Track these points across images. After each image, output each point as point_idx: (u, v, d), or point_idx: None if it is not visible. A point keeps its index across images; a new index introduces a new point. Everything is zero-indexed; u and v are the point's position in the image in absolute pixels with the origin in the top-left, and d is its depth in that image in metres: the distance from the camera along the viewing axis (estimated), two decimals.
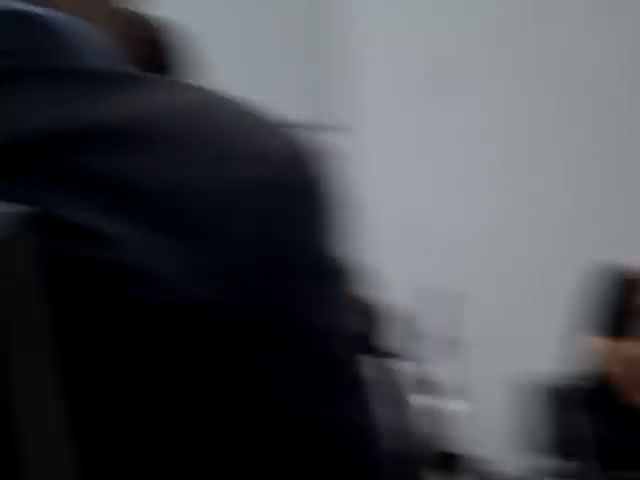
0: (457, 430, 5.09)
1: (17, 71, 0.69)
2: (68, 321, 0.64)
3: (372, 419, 0.69)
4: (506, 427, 6.13)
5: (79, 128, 0.66)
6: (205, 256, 0.65)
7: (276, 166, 0.68)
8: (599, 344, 4.41)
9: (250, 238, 0.66)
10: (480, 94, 6.27)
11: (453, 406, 5.12)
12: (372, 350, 2.74)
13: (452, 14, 6.16)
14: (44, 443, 0.64)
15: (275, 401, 0.66)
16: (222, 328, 0.65)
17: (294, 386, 0.66)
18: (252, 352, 0.65)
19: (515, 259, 6.33)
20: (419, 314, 4.69)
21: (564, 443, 4.68)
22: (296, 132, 0.72)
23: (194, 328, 0.64)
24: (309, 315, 0.67)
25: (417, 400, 2.79)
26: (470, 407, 5.56)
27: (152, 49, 1.61)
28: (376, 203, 6.42)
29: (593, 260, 5.07)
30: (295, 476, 0.66)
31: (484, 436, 5.97)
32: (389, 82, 6.34)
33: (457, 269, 6.28)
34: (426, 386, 2.90)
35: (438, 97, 6.25)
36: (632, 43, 6.00)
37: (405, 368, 2.80)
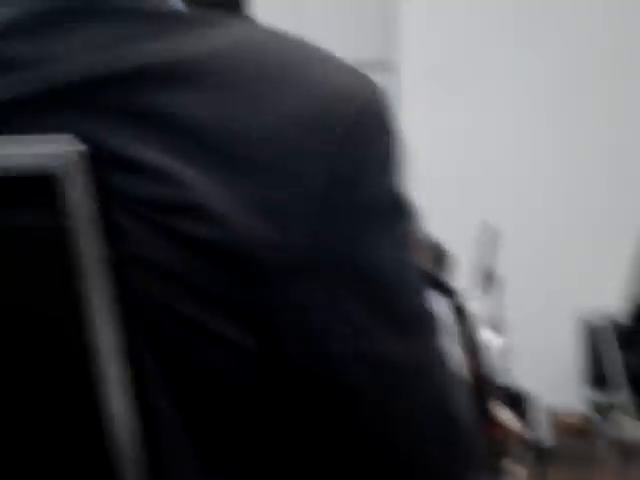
0: (498, 364, 5.11)
1: (79, 11, 0.69)
2: (127, 257, 0.65)
3: (442, 355, 0.69)
4: (550, 361, 6.15)
5: (137, 66, 0.66)
6: (262, 194, 0.64)
7: (343, 105, 0.67)
8: None
9: (309, 175, 0.65)
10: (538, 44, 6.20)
11: (492, 340, 5.13)
12: (438, 287, 2.74)
13: None
14: (110, 367, 0.65)
15: (336, 339, 0.66)
16: (279, 265, 0.65)
17: (356, 323, 0.66)
18: (311, 289, 0.65)
19: (562, 195, 6.30)
20: (459, 249, 4.69)
21: (614, 376, 4.68)
22: (357, 68, 0.70)
23: (255, 266, 0.64)
24: (375, 252, 0.66)
25: (459, 334, 2.80)
26: (508, 341, 5.58)
27: None
28: (420, 143, 6.38)
29: None
30: (359, 414, 0.67)
31: (524, 370, 5.99)
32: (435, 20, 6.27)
33: (504, 205, 6.26)
34: (466, 320, 2.90)
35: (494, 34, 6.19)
36: None
37: (459, 304, 2.80)
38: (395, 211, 0.68)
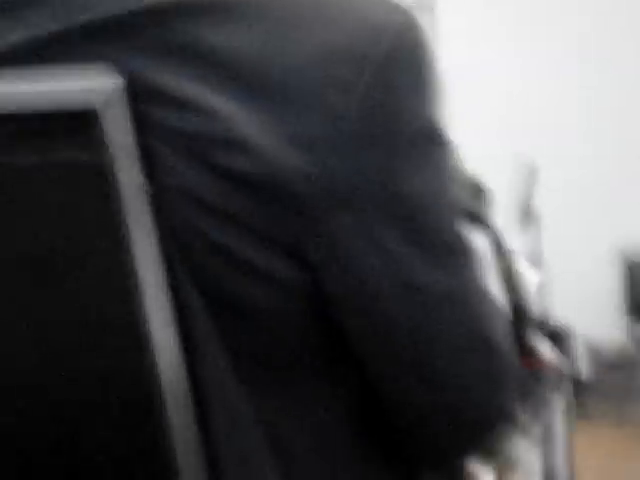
0: (537, 299, 5.11)
1: None
2: (167, 191, 0.65)
3: (478, 284, 0.70)
4: (590, 295, 6.13)
5: (174, 2, 0.66)
6: (298, 126, 0.65)
7: (379, 35, 0.67)
8: None
9: (343, 105, 0.65)
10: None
11: (530, 275, 5.12)
12: (477, 221, 2.73)
13: None
14: (147, 305, 0.65)
15: (372, 268, 0.66)
16: (316, 196, 0.65)
17: (392, 252, 0.66)
18: (348, 219, 0.66)
19: (596, 128, 6.24)
20: (497, 185, 4.67)
21: None
22: (392, 2, 0.70)
23: (291, 198, 0.65)
24: (412, 181, 0.67)
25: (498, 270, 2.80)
26: (547, 276, 5.57)
27: None
28: (457, 76, 6.33)
29: None
30: (390, 340, 0.68)
31: (566, 306, 5.98)
32: None
33: (539, 140, 6.22)
34: (505, 255, 2.90)
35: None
36: None
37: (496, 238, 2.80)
38: (432, 140, 0.68)
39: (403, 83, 0.67)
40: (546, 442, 2.99)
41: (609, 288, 6.10)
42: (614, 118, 6.19)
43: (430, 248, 0.68)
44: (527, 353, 2.91)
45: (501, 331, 0.70)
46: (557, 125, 6.27)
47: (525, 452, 2.96)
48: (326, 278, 0.66)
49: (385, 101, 0.66)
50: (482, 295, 0.70)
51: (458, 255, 0.69)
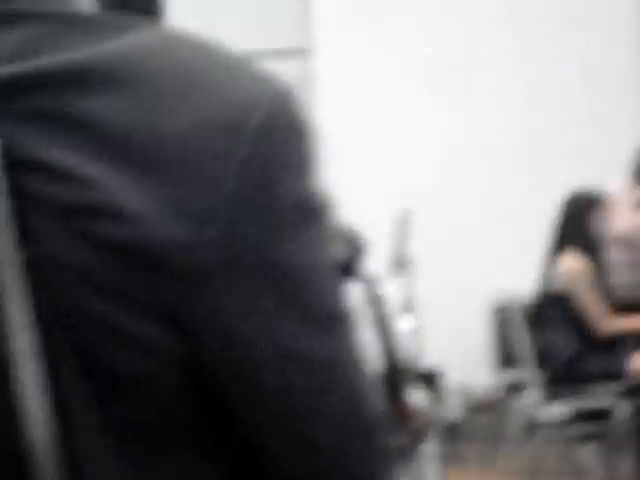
0: (411, 346, 5.17)
1: None
2: (42, 259, 0.65)
3: (356, 352, 0.70)
4: (462, 341, 6.23)
5: (49, 70, 0.67)
6: (175, 195, 0.65)
7: (254, 105, 0.68)
8: (566, 263, 4.49)
9: (221, 176, 0.66)
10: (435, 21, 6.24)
11: (404, 323, 5.19)
12: (355, 275, 2.75)
13: None
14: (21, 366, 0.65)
15: (251, 339, 0.67)
16: (194, 266, 0.65)
17: (272, 323, 0.67)
18: (226, 289, 0.66)
19: (475, 179, 6.36)
20: (376, 233, 4.72)
21: (517, 355, 4.77)
22: (268, 70, 0.71)
23: (168, 266, 0.65)
24: (290, 254, 0.67)
25: (370, 319, 2.83)
26: (421, 322, 5.64)
27: None
28: (328, 125, 6.41)
29: (554, 185, 5.12)
30: (269, 409, 0.68)
31: (436, 352, 6.06)
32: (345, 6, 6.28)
33: (416, 190, 6.31)
34: (380, 305, 2.94)
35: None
36: None
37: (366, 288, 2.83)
38: (310, 212, 0.69)
39: (280, 154, 0.68)
40: None
41: (481, 335, 6.22)
42: (493, 170, 6.32)
43: (308, 317, 0.68)
44: (398, 400, 2.95)
45: (375, 402, 0.71)
46: (433, 174, 6.38)
47: None
48: (203, 347, 0.67)
49: (262, 172, 0.67)
50: (359, 365, 0.71)
51: (338, 324, 0.70)
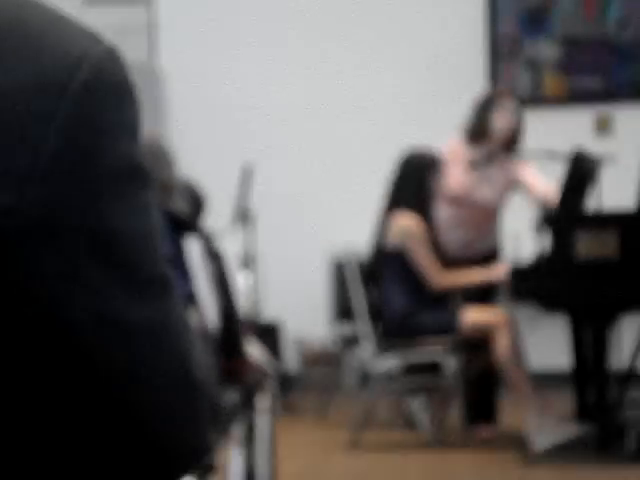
0: (250, 299, 5.23)
1: None
2: None
3: (181, 317, 0.71)
4: (301, 295, 6.32)
5: None
6: (1, 159, 0.64)
7: (77, 65, 0.66)
8: (401, 221, 4.60)
9: (40, 138, 0.65)
10: None
11: (242, 278, 5.25)
12: (191, 230, 2.77)
13: None
14: None
15: (73, 304, 0.66)
16: (13, 231, 0.64)
17: (94, 288, 0.66)
18: (49, 255, 0.65)
19: (314, 134, 6.42)
20: (218, 188, 4.71)
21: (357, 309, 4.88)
22: (97, 33, 0.69)
23: None
24: (114, 219, 0.67)
25: (209, 273, 2.87)
26: (259, 278, 5.71)
27: None
28: (174, 73, 6.36)
29: (395, 143, 5.23)
30: (98, 377, 0.67)
31: (278, 306, 6.14)
32: None
33: (257, 144, 6.33)
34: (219, 261, 2.98)
35: None
36: None
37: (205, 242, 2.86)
38: (134, 176, 0.68)
39: (104, 118, 0.67)
40: (249, 443, 3.09)
41: (319, 289, 6.33)
42: (332, 125, 6.40)
43: (129, 281, 0.67)
44: (235, 355, 3.01)
45: (202, 365, 0.71)
46: (275, 128, 6.42)
47: (225, 455, 3.05)
48: (27, 313, 0.65)
49: (85, 134, 0.66)
50: (183, 328, 0.71)
51: (162, 290, 0.69)
